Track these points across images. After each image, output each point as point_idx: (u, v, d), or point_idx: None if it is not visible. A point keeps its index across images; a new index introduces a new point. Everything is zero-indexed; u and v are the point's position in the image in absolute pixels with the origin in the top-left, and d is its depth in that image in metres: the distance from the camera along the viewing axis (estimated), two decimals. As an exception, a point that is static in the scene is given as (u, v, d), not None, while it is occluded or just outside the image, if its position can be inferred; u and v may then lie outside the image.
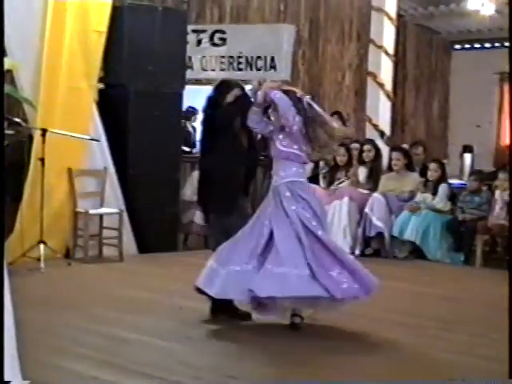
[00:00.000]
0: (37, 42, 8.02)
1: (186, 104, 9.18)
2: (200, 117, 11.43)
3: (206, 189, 5.75)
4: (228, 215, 5.59)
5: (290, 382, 4.36)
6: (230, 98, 5.68)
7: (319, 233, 5.22)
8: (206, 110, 5.85)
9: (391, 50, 10.91)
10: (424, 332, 5.46)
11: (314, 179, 10.03)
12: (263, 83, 5.45)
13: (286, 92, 5.37)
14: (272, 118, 5.46)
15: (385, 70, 10.86)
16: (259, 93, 5.36)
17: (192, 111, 11.75)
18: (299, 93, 5.46)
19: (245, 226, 5.36)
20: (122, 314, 5.74)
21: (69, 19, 8.16)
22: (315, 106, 5.45)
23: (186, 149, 11.04)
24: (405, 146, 10.36)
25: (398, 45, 11.38)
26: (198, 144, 9.56)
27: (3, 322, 2.69)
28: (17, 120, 7.35)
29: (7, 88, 3.37)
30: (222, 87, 5.83)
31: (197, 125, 11.56)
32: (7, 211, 7.88)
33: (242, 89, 5.75)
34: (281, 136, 5.37)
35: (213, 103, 5.78)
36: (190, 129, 11.77)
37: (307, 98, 5.42)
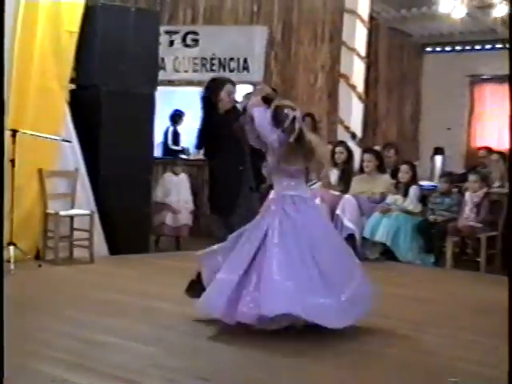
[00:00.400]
0: (8, 41, 7.94)
1: (158, 105, 9.15)
2: (187, 118, 11.68)
3: (212, 190, 5.95)
4: (229, 215, 5.74)
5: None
6: (223, 94, 5.73)
7: (271, 248, 5.18)
8: (203, 112, 5.91)
9: (363, 53, 10.96)
10: (394, 333, 5.49)
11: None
12: (260, 88, 5.47)
13: (276, 106, 5.27)
14: (251, 134, 5.42)
15: (357, 72, 10.91)
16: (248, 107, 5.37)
17: (179, 114, 11.88)
18: (289, 109, 5.28)
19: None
20: (93, 316, 5.71)
21: (41, 19, 8.12)
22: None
23: (176, 148, 11.69)
24: (377, 147, 10.42)
25: (370, 47, 11.43)
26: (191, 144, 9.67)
27: (3, 322, 2.67)
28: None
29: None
30: (214, 85, 5.84)
31: (184, 126, 11.91)
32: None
33: (233, 84, 5.77)
34: (269, 151, 5.37)
35: (207, 103, 5.84)
36: (178, 130, 12.06)
37: (296, 114, 5.26)
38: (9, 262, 7.34)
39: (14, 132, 7.50)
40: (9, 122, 7.74)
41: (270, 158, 5.38)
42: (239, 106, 5.67)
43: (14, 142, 7.49)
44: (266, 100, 5.38)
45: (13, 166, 7.48)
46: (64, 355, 4.68)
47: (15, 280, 7.11)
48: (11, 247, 7.45)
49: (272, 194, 5.54)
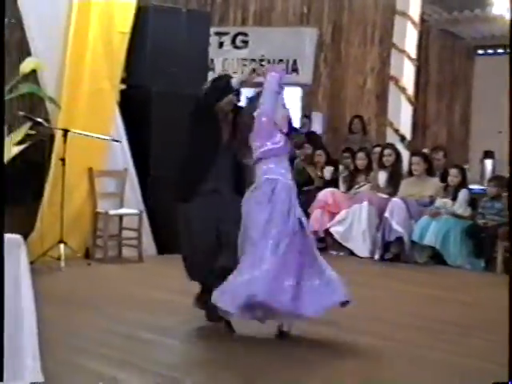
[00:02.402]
0: (61, 42, 8.07)
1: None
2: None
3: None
4: (184, 201, 5.40)
5: None
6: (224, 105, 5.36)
7: None
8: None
9: (414, 55, 10.87)
10: (441, 336, 5.44)
11: (333, 183, 10.04)
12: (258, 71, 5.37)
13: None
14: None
15: (407, 74, 10.81)
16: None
17: None
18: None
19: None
20: (140, 314, 5.75)
21: (93, 20, 8.21)
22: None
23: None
24: (425, 150, 10.32)
25: (420, 49, 11.34)
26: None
27: (3, 322, 2.71)
28: (39, 120, 7.39)
29: (32, 87, 3.39)
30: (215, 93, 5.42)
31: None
32: (28, 210, 7.98)
33: (238, 93, 5.42)
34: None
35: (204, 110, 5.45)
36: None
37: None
38: (59, 259, 7.45)
39: (66, 132, 7.60)
40: (60, 122, 7.86)
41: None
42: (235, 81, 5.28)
43: (65, 142, 7.60)
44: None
45: (63, 165, 7.59)
46: (111, 352, 4.73)
47: (64, 277, 7.22)
48: (61, 245, 7.55)
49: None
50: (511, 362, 3.35)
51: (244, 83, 5.33)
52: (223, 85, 5.30)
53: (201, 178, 5.33)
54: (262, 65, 4.97)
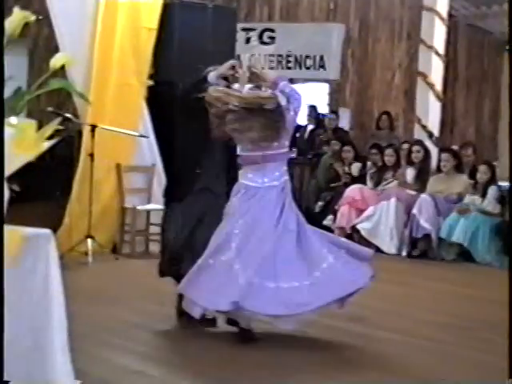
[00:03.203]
0: (88, 38, 8.10)
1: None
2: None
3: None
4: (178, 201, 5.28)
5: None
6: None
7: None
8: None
9: (442, 50, 10.79)
10: (468, 334, 5.40)
11: (360, 179, 10.01)
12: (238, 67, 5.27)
13: None
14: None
15: (435, 70, 10.74)
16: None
17: None
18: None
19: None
20: (167, 309, 5.76)
21: (120, 16, 8.23)
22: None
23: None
24: (454, 147, 10.25)
25: (448, 45, 11.25)
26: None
27: (3, 322, 2.71)
28: (68, 115, 7.43)
29: (64, 82, 3.40)
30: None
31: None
32: (56, 206, 8.03)
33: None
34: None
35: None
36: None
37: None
38: (86, 254, 7.50)
39: (93, 127, 7.64)
40: (89, 117, 7.90)
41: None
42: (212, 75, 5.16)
43: (93, 137, 7.64)
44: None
45: (92, 160, 7.63)
46: (138, 347, 4.75)
47: (92, 272, 7.26)
48: (89, 240, 7.59)
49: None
50: (511, 360, 3.34)
51: (221, 78, 5.21)
52: (201, 80, 5.20)
53: (191, 177, 5.22)
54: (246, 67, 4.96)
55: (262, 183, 4.98)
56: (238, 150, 5.11)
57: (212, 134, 5.05)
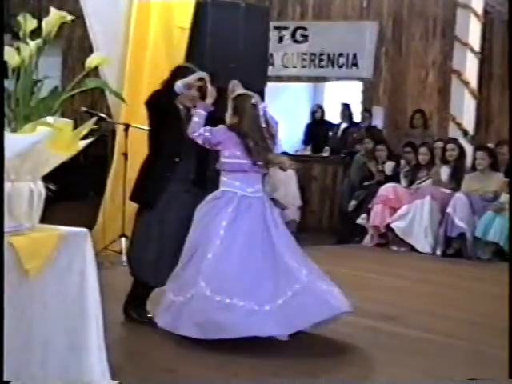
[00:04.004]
0: (122, 38, 8.14)
1: (267, 101, 9.16)
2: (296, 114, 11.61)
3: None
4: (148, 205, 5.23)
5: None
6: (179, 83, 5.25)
7: None
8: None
9: (477, 48, 10.69)
10: (502, 334, 5.33)
11: (394, 178, 9.94)
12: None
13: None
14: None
15: (470, 67, 10.65)
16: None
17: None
18: None
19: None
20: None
21: (153, 15, 8.26)
22: None
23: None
24: (490, 145, 10.15)
25: (484, 42, 11.14)
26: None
27: (3, 322, 2.72)
28: (102, 115, 7.47)
29: (100, 82, 3.41)
30: (177, 72, 5.50)
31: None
32: (90, 204, 8.08)
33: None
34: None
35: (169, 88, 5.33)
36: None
37: None
38: (120, 253, 7.51)
39: (127, 126, 7.67)
40: (122, 117, 7.93)
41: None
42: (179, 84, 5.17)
43: (126, 136, 7.67)
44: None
45: (125, 159, 7.65)
46: (170, 345, 4.75)
47: (125, 271, 7.25)
48: (123, 239, 7.61)
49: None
50: (511, 360, 3.30)
51: (187, 88, 5.22)
52: (169, 88, 5.19)
53: (164, 181, 5.20)
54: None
55: (252, 192, 4.99)
56: (224, 156, 5.05)
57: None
